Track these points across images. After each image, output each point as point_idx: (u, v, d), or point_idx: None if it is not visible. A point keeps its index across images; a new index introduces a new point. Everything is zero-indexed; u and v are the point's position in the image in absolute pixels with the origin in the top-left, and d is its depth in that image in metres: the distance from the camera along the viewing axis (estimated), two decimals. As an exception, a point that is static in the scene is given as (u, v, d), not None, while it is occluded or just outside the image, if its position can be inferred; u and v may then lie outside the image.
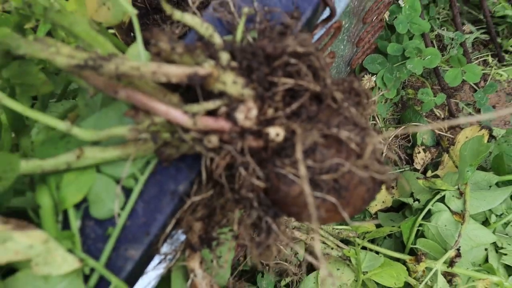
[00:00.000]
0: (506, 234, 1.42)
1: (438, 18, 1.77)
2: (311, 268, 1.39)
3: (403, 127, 1.59)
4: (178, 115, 0.47)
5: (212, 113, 0.49)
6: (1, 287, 0.48)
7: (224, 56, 0.49)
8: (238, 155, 0.48)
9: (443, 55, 1.72)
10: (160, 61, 0.49)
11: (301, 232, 1.30)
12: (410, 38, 1.46)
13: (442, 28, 1.76)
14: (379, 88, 1.45)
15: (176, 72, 0.46)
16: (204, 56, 0.48)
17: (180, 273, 0.67)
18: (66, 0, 0.84)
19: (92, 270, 0.51)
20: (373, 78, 1.44)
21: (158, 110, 0.48)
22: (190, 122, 0.47)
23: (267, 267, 1.25)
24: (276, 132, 0.48)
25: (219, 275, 0.72)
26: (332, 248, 1.28)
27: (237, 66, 0.49)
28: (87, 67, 0.47)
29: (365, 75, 1.46)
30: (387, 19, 1.41)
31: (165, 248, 0.63)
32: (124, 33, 1.19)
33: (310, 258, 0.51)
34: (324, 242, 1.28)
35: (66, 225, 0.53)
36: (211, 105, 0.49)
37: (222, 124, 0.48)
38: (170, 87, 0.51)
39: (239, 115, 0.47)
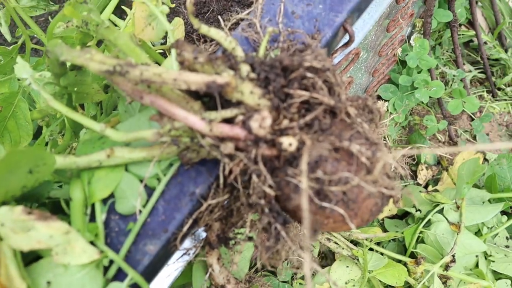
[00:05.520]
0: (495, 244, 1.29)
1: (442, 59, 1.63)
2: (326, 263, 1.28)
3: (410, 147, 1.45)
4: (195, 120, 0.39)
5: (230, 121, 0.40)
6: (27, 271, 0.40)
7: (244, 68, 0.40)
8: (251, 162, 0.39)
9: (445, 90, 1.58)
10: (184, 70, 0.41)
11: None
12: (419, 72, 1.35)
13: (445, 67, 1.62)
14: (390, 113, 1.33)
15: (196, 79, 0.37)
16: (224, 67, 0.40)
17: (200, 266, 0.58)
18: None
19: (112, 262, 0.43)
20: (386, 104, 1.33)
21: (177, 115, 0.39)
22: (207, 128, 0.39)
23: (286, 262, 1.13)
24: (289, 142, 0.38)
25: (238, 269, 0.63)
26: (343, 248, 1.16)
27: (256, 77, 0.40)
28: (115, 72, 0.39)
29: (378, 101, 1.34)
30: (399, 55, 1.29)
31: (187, 243, 0.54)
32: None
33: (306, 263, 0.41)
34: (336, 242, 1.16)
35: (93, 218, 0.45)
36: (228, 113, 0.40)
37: (238, 131, 0.39)
38: (194, 95, 0.43)
39: (254, 124, 0.38)
